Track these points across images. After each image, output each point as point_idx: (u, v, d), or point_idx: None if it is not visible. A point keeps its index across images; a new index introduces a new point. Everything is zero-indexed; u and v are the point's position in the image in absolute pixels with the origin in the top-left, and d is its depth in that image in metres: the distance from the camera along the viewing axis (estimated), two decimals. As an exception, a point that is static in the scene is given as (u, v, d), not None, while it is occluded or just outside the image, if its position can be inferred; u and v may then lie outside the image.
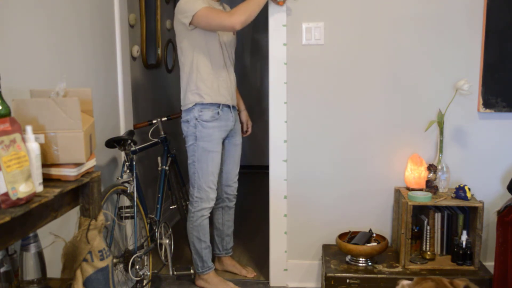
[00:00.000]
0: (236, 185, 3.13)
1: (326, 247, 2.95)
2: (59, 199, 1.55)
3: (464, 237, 2.68)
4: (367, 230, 2.90)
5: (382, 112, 2.88)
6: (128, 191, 2.68)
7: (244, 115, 3.16)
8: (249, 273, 3.20)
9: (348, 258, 2.77)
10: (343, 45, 2.84)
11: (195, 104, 2.77)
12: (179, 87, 2.94)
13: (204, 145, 2.79)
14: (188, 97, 2.79)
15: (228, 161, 3.05)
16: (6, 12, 1.83)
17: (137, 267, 2.66)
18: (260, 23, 5.64)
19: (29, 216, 1.40)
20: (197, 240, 2.92)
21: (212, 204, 2.90)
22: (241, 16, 2.57)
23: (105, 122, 2.69)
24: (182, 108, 2.85)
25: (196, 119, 2.77)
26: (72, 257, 1.67)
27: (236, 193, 3.16)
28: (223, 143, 2.95)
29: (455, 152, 2.86)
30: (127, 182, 2.67)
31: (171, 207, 3.43)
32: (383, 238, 2.81)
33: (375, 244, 2.74)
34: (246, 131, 3.18)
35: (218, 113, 2.80)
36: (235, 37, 2.97)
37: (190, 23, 2.67)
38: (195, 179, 2.85)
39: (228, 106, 2.87)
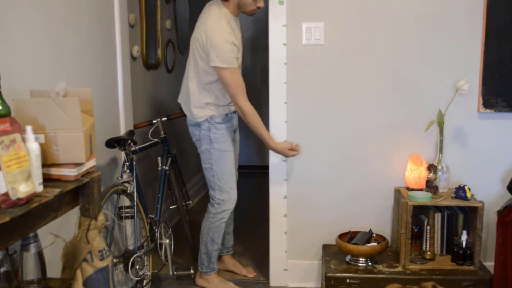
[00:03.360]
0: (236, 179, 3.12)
1: (326, 247, 2.95)
2: (59, 199, 1.55)
3: (464, 237, 2.68)
4: (367, 230, 2.90)
5: (382, 112, 2.87)
6: (128, 191, 2.68)
7: None
8: (249, 273, 3.20)
9: (348, 258, 2.77)
10: (343, 45, 2.84)
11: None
12: (179, 87, 2.94)
13: (220, 147, 2.80)
14: (199, 113, 2.77)
15: None
16: (6, 12, 1.83)
17: (137, 267, 2.66)
18: (260, 23, 5.67)
19: (29, 216, 1.40)
20: (211, 241, 2.92)
21: (233, 206, 2.90)
22: (250, 112, 2.65)
23: (105, 122, 2.68)
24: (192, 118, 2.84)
25: (209, 122, 2.77)
26: (72, 257, 1.67)
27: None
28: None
29: (455, 152, 2.86)
30: (127, 182, 2.67)
31: (171, 207, 3.42)
32: (383, 238, 2.81)
33: (375, 244, 2.74)
34: None
35: (227, 114, 2.82)
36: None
37: (212, 66, 2.65)
38: (215, 182, 2.83)
39: None
